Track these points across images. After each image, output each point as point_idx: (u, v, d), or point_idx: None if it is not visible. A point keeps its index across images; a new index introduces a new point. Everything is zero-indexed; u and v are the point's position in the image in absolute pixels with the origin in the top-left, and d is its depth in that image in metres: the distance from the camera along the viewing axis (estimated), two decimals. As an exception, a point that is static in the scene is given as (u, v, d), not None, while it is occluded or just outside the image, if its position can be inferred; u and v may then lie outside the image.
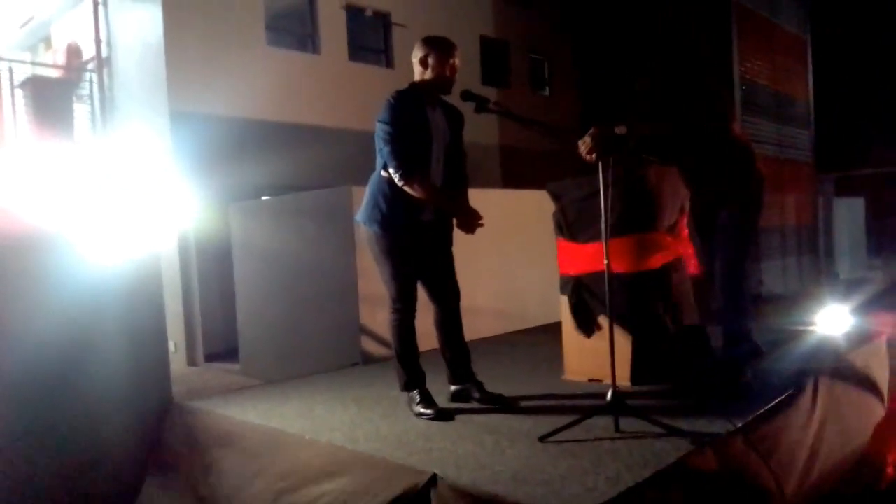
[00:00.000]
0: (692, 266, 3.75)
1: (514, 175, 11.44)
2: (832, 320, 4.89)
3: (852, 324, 4.94)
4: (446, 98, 3.30)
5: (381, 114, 3.12)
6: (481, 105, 3.08)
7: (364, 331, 5.42)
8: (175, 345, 7.88)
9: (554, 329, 5.04)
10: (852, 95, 16.67)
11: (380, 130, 3.10)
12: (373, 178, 3.24)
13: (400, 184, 3.06)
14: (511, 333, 5.69)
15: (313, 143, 9.06)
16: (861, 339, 4.22)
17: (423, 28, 9.64)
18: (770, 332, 4.46)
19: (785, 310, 5.80)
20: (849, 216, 15.14)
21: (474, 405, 3.32)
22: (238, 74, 8.32)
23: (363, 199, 3.27)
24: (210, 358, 8.08)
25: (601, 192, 2.86)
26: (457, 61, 3.20)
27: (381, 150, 3.12)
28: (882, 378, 4.00)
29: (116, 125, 8.80)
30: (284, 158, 8.53)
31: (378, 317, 5.41)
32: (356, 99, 9.73)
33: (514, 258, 6.36)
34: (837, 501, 3.01)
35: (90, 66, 9.04)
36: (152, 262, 3.73)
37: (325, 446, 2.85)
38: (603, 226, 2.88)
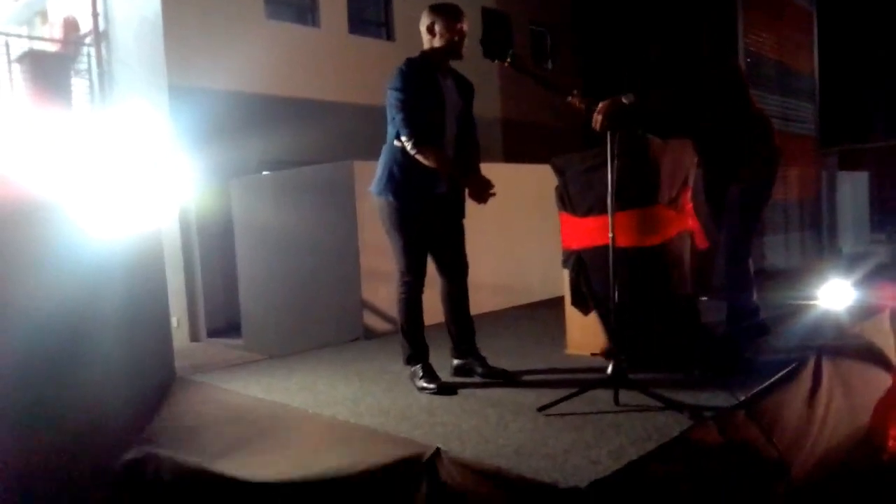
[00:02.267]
0: (699, 240, 3.72)
1: (516, 149, 11.36)
2: (835, 294, 4.88)
3: (855, 297, 4.94)
4: (456, 68, 3.26)
5: (392, 81, 3.08)
6: (513, 59, 3.04)
7: (366, 306, 5.41)
8: (177, 320, 7.89)
9: (556, 304, 5.03)
10: (857, 70, 16.50)
11: (391, 98, 3.07)
12: (385, 149, 3.20)
13: (412, 152, 3.03)
14: (513, 308, 5.69)
15: (314, 118, 8.99)
16: (865, 312, 4.22)
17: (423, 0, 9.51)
18: (773, 307, 4.44)
19: (788, 284, 5.77)
20: (852, 190, 15.05)
21: (477, 380, 3.32)
22: (237, 48, 8.23)
23: (376, 171, 3.23)
24: (212, 333, 8.10)
25: (608, 164, 2.83)
26: (465, 26, 3.15)
27: (394, 118, 3.08)
28: (889, 350, 3.99)
29: (115, 100, 8.73)
30: (285, 133, 8.47)
31: (380, 292, 5.41)
32: (357, 72, 9.64)
33: (516, 233, 6.33)
34: (844, 475, 3.01)
35: (87, 40, 8.94)
36: (153, 237, 3.72)
37: (329, 420, 2.86)
38: (609, 199, 2.85)
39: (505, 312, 5.46)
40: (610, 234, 2.89)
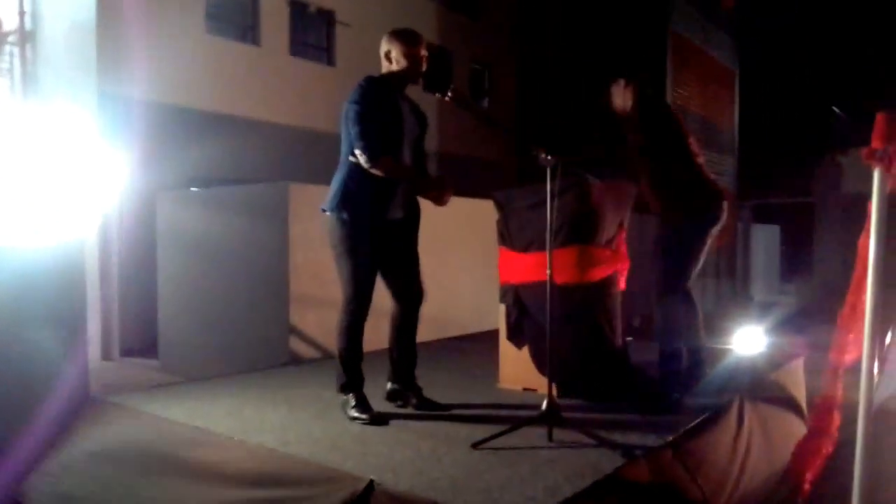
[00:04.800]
0: (622, 281, 3.81)
1: (451, 182, 11.46)
2: (748, 340, 5.10)
3: (767, 344, 5.17)
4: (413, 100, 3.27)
5: (351, 95, 3.06)
6: (453, 93, 3.04)
7: (293, 331, 5.30)
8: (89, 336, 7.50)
9: (486, 337, 5.05)
10: (771, 127, 17.52)
11: (349, 111, 3.03)
12: (340, 166, 3.15)
13: (367, 165, 2.99)
14: (445, 340, 5.67)
15: (249, 137, 8.84)
16: (781, 359, 4.40)
17: (367, 28, 9.58)
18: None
19: (705, 329, 5.97)
20: (764, 242, 15.86)
21: (409, 410, 3.27)
22: (174, 60, 8.04)
23: (330, 189, 3.15)
24: (126, 353, 7.73)
25: (548, 202, 2.87)
26: (423, 51, 3.15)
27: (350, 131, 3.04)
28: (801, 397, 4.17)
29: (39, 102, 8.34)
30: (218, 150, 8.28)
31: (308, 318, 5.31)
32: (295, 94, 9.56)
33: (449, 265, 6.35)
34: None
35: (10, 38, 8.54)
36: (75, 248, 3.53)
37: (256, 448, 2.74)
38: (548, 235, 2.89)
39: (436, 344, 5.43)
40: (548, 271, 2.92)
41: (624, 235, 3.75)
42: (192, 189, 7.11)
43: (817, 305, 10.10)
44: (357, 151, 3.01)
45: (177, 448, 2.89)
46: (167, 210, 6.46)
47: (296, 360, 5.03)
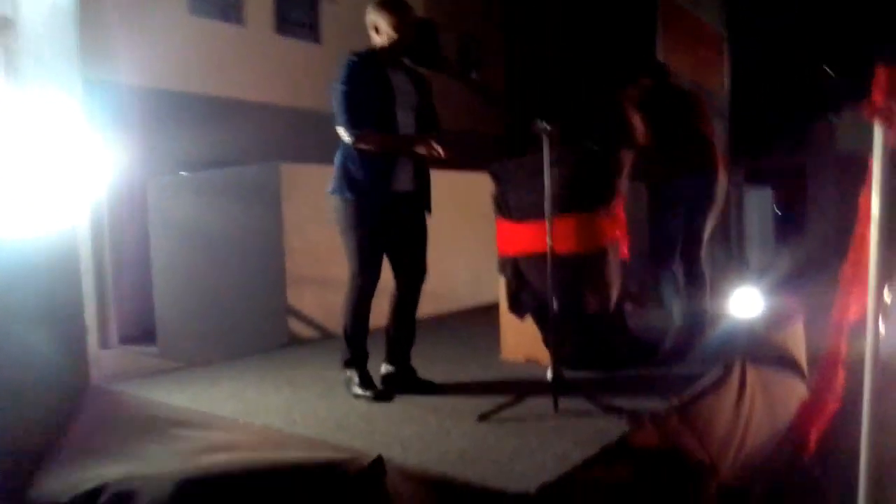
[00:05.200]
0: (623, 250, 3.80)
1: (445, 140, 11.40)
2: (745, 303, 5.09)
3: (764, 306, 5.17)
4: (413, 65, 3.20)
5: (337, 74, 3.01)
6: (444, 65, 3.00)
7: (291, 312, 5.28)
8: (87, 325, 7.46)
9: (484, 311, 5.05)
10: (762, 90, 17.44)
11: (334, 92, 2.99)
12: (339, 148, 3.11)
13: (350, 141, 2.96)
14: (442, 315, 5.66)
15: (237, 118, 8.73)
16: (780, 320, 4.41)
17: (353, 4, 9.42)
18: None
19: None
20: (758, 205, 15.86)
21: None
22: (158, 43, 7.91)
23: (333, 173, 3.12)
24: (124, 340, 7.69)
25: (545, 170, 2.84)
26: (412, 19, 3.08)
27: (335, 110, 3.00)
28: (801, 358, 4.19)
29: (22, 90, 8.21)
30: (207, 133, 8.19)
31: (306, 298, 5.29)
32: (282, 74, 9.44)
33: (444, 239, 6.30)
34: (766, 473, 3.13)
35: (-10, 26, 8.38)
36: (68, 236, 3.48)
37: (261, 429, 2.74)
38: (546, 203, 2.86)
39: (435, 320, 5.42)
40: (548, 239, 2.90)
41: (622, 202, 3.72)
42: (182, 174, 7.03)
43: (811, 266, 10.14)
44: (339, 130, 3.00)
45: (187, 431, 2.88)
46: (158, 196, 6.39)
47: (295, 342, 5.01)
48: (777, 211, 16.89)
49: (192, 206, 6.13)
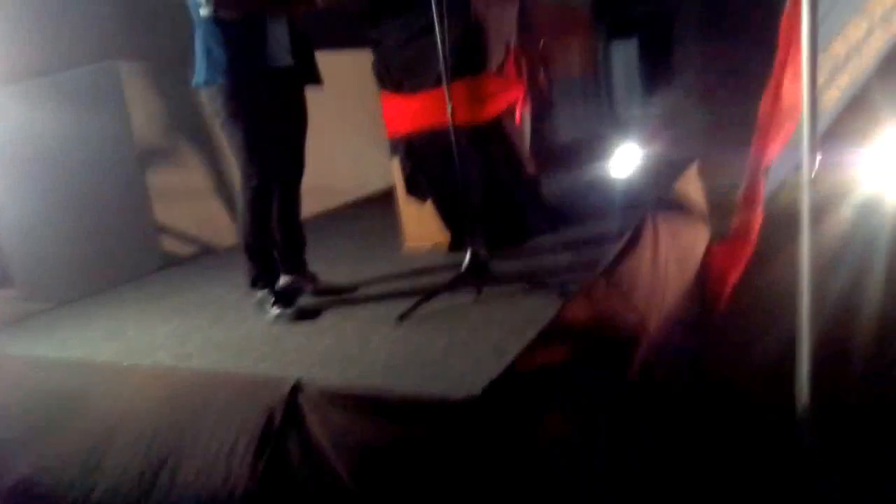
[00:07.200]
0: (517, 116, 3.52)
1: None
2: (629, 158, 5.02)
3: (648, 157, 5.13)
4: None
5: None
6: None
7: (161, 229, 4.75)
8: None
9: (375, 200, 4.72)
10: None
11: None
12: (196, 31, 2.60)
13: (209, 10, 2.47)
14: (329, 212, 5.27)
15: (60, 14, 7.54)
16: (674, 168, 4.36)
17: None
18: (578, 180, 4.47)
19: (585, 156, 5.91)
20: (624, 58, 15.99)
21: (311, 299, 2.92)
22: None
23: (194, 61, 2.63)
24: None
25: (437, 28, 2.47)
26: None
27: None
28: (702, 202, 4.17)
29: None
30: (26, 36, 7.02)
31: (176, 211, 4.75)
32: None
33: (317, 129, 5.84)
34: (686, 325, 3.11)
35: None
36: None
37: (151, 370, 2.36)
38: (442, 64, 2.51)
39: (323, 218, 5.03)
40: (448, 107, 2.58)
41: (513, 58, 3.39)
42: (6, 86, 6.03)
43: (682, 110, 10.35)
44: (192, 5, 2.52)
45: (56, 390, 2.46)
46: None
47: (172, 262, 4.53)
48: (642, 62, 17.13)
49: (24, 122, 5.29)
